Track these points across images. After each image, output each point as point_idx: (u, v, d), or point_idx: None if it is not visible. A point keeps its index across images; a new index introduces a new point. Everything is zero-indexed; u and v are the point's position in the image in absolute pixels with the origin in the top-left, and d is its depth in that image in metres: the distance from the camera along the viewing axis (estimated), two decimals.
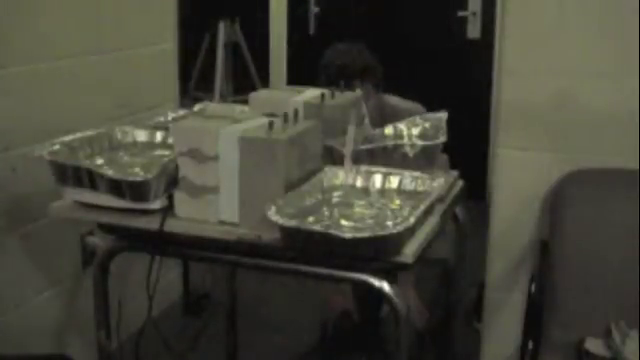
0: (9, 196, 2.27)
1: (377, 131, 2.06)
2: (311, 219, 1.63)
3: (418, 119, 2.07)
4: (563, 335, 2.14)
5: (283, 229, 1.58)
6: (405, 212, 1.67)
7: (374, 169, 1.85)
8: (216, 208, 1.72)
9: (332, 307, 2.84)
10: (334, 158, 1.89)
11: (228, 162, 1.69)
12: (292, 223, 1.56)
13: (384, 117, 2.69)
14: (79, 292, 2.57)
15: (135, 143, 2.02)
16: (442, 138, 1.93)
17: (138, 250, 1.81)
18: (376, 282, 1.62)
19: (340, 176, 1.84)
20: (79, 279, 2.58)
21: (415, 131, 2.04)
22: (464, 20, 4.60)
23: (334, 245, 1.53)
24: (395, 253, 1.56)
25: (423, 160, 1.88)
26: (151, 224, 1.74)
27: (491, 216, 2.46)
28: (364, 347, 2.92)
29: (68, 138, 1.90)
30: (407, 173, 1.83)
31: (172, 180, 1.75)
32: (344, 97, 2.06)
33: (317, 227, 1.55)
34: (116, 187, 1.72)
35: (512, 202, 2.42)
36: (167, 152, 1.88)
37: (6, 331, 2.29)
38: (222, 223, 1.73)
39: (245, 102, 2.09)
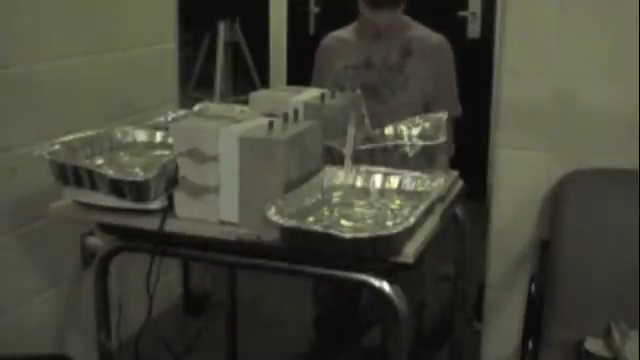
0: (9, 196, 2.27)
1: (377, 131, 2.06)
2: (311, 219, 1.63)
3: (418, 119, 2.07)
4: (563, 335, 2.14)
5: (283, 229, 1.58)
6: (405, 212, 1.67)
7: (374, 169, 1.85)
8: (216, 208, 1.73)
9: None
10: (334, 158, 1.89)
11: (228, 162, 1.69)
12: (292, 223, 1.56)
13: (409, 50, 2.68)
14: (79, 292, 2.57)
15: (135, 143, 2.02)
16: (442, 138, 1.93)
17: (138, 250, 1.80)
18: (376, 282, 1.62)
19: (340, 176, 1.84)
20: (79, 279, 2.58)
21: (415, 131, 2.04)
22: (464, 20, 4.60)
23: (334, 245, 1.53)
24: (395, 253, 1.56)
25: (423, 160, 1.88)
26: (151, 224, 1.74)
27: (491, 216, 2.46)
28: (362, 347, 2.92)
29: (68, 138, 1.90)
30: (407, 173, 1.83)
31: (172, 180, 1.75)
32: (344, 97, 2.06)
33: (317, 227, 1.55)
34: (116, 187, 1.72)
35: (512, 202, 2.42)
36: (167, 152, 1.87)
37: (6, 331, 2.29)
38: (222, 223, 1.73)
39: (245, 102, 2.09)
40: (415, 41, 2.70)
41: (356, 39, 2.77)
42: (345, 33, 2.83)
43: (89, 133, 1.96)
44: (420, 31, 2.75)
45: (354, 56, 2.73)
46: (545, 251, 2.31)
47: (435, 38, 2.74)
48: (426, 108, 2.60)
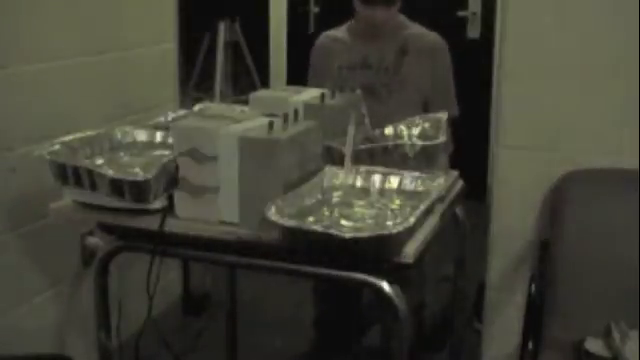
0: (9, 196, 2.27)
1: (377, 131, 2.07)
2: (311, 219, 1.63)
3: (418, 119, 2.07)
4: (563, 335, 2.14)
5: (283, 229, 1.58)
6: (405, 212, 1.67)
7: (374, 169, 1.85)
8: (216, 208, 1.73)
9: None
10: (334, 158, 1.90)
11: (228, 162, 1.69)
12: (292, 223, 1.56)
13: (405, 50, 2.66)
14: (79, 292, 2.57)
15: (135, 143, 2.03)
16: (442, 138, 1.93)
17: (138, 250, 1.81)
18: (376, 282, 1.62)
19: (340, 176, 1.84)
20: (79, 279, 2.58)
21: (415, 131, 2.04)
22: (464, 20, 4.60)
23: (334, 245, 1.53)
24: (395, 253, 1.56)
25: (423, 160, 1.88)
26: (151, 224, 1.74)
27: (491, 216, 2.46)
28: (363, 348, 2.92)
29: (68, 138, 1.90)
30: (407, 173, 1.83)
31: (172, 180, 1.75)
32: (344, 97, 2.06)
33: (317, 227, 1.55)
34: (116, 187, 1.72)
35: (512, 202, 2.42)
36: (167, 152, 1.88)
37: (6, 331, 2.29)
38: (222, 223, 1.73)
39: (245, 102, 2.09)
40: (411, 40, 2.69)
41: (351, 39, 2.77)
42: (339, 32, 2.82)
43: (89, 133, 1.96)
44: (416, 30, 2.74)
45: (350, 56, 2.72)
46: (545, 251, 2.31)
47: (432, 37, 2.73)
48: (425, 108, 2.60)
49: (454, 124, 2.66)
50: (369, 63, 2.69)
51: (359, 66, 2.70)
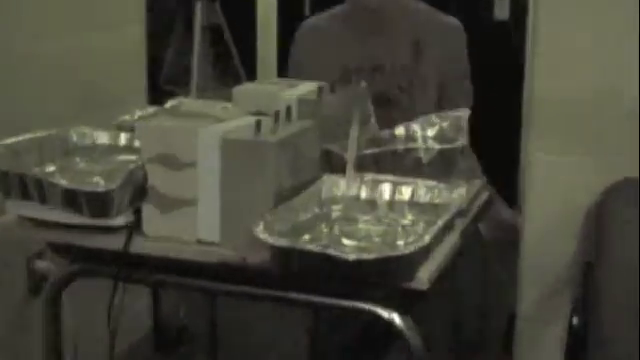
0: None
1: (385, 132, 2.06)
2: (306, 237, 1.63)
3: (434, 117, 2.07)
4: None
5: (273, 249, 1.58)
6: (419, 229, 1.67)
7: (382, 178, 1.86)
8: (192, 225, 1.73)
9: None
10: (334, 165, 1.90)
11: (207, 169, 1.69)
12: (283, 242, 1.56)
13: (418, 41, 2.65)
14: (25, 327, 2.56)
15: (94, 147, 2.03)
16: (462, 140, 1.94)
17: (97, 275, 1.81)
18: (385, 313, 1.62)
19: (341, 186, 1.84)
20: (27, 310, 2.57)
21: (430, 132, 2.04)
22: None
23: (334, 268, 1.53)
24: (407, 278, 1.56)
25: (440, 167, 1.89)
26: (114, 244, 1.74)
27: (523, 233, 2.46)
28: None
29: (11, 140, 1.89)
30: (421, 182, 1.84)
31: (139, 191, 1.75)
32: (346, 92, 2.06)
33: (313, 247, 1.56)
34: (71, 199, 1.72)
35: (549, 217, 2.42)
36: (133, 157, 1.88)
37: None
38: (200, 242, 1.73)
39: (228, 98, 2.10)
40: (423, 28, 2.66)
41: (345, 30, 2.71)
42: (323, 21, 2.77)
43: (38, 134, 1.96)
44: (425, 12, 2.70)
45: (352, 55, 2.67)
46: (589, 275, 2.31)
47: (445, 20, 2.70)
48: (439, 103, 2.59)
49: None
50: (379, 63, 2.64)
51: (367, 68, 2.64)
